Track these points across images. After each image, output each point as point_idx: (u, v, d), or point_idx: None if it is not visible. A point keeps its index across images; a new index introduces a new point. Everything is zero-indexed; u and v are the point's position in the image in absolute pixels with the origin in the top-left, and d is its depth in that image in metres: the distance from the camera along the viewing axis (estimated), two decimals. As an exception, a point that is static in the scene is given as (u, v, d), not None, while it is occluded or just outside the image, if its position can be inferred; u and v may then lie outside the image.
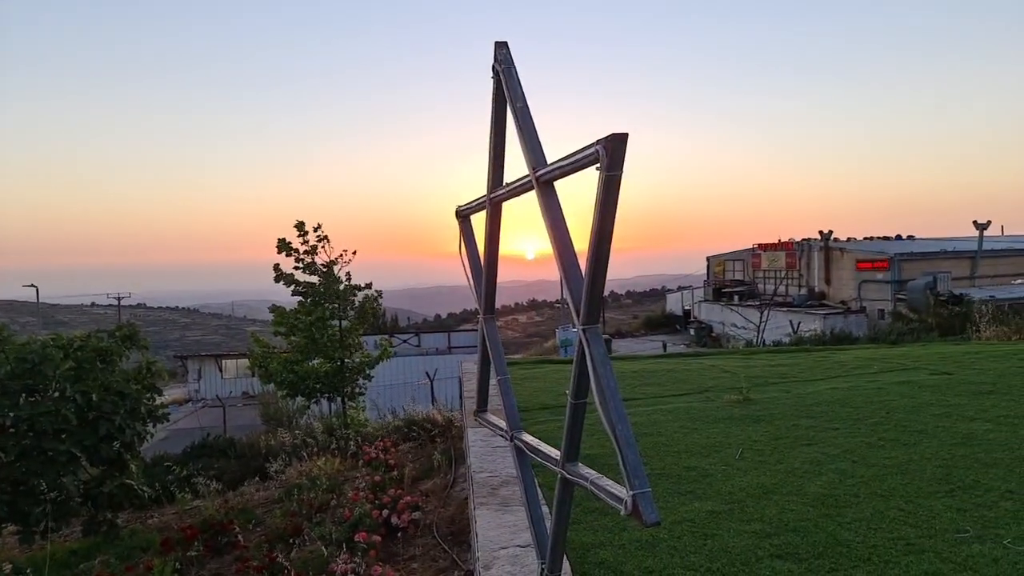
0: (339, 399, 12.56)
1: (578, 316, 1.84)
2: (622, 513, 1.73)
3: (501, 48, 2.22)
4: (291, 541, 5.38)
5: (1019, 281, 31.21)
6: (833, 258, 35.56)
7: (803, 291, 36.38)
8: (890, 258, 31.80)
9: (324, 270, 12.49)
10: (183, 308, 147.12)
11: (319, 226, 12.54)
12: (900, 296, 29.85)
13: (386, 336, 20.94)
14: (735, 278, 43.58)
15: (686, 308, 44.92)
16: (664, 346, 31.71)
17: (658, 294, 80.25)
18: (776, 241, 40.51)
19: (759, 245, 41.76)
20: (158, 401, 8.40)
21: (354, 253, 12.78)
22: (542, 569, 2.47)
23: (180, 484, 9.16)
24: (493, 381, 2.74)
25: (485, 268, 2.69)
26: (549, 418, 6.19)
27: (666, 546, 3.32)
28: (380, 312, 14.58)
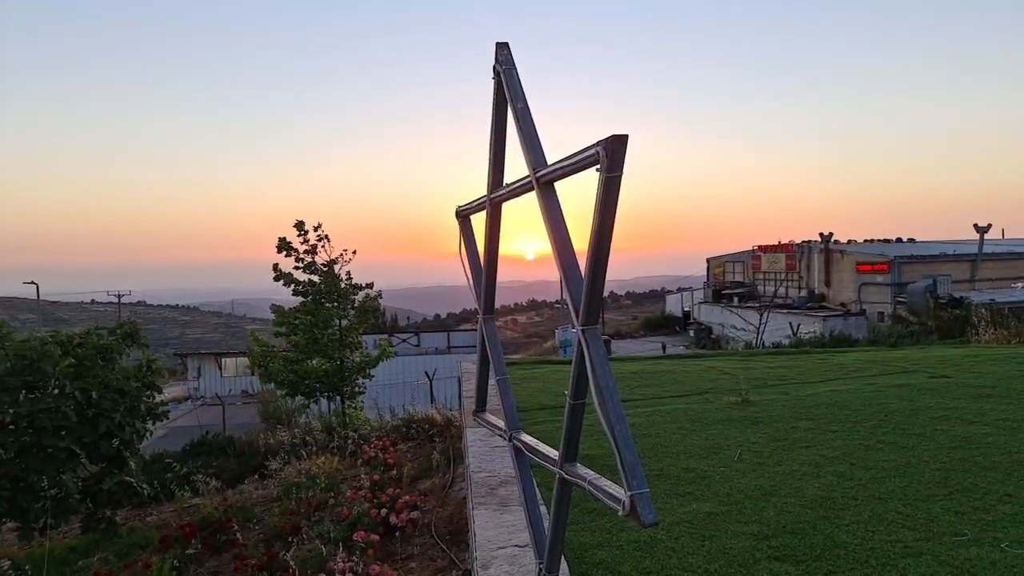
0: (338, 398, 12.55)
1: (577, 317, 1.85)
2: (620, 514, 1.73)
3: (502, 49, 2.22)
4: (289, 539, 5.38)
5: (1019, 285, 31.18)
6: (833, 260, 35.53)
7: (803, 293, 36.35)
8: (890, 261, 31.77)
9: (324, 269, 12.48)
10: (183, 306, 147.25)
11: (319, 225, 12.52)
12: (900, 299, 29.82)
13: (385, 336, 20.94)
14: (735, 280, 43.53)
15: (685, 309, 44.86)
16: (663, 347, 31.66)
17: (658, 295, 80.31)
18: (776, 243, 40.47)
19: (759, 247, 41.72)
20: (158, 399, 8.41)
21: (354, 252, 12.77)
22: (540, 569, 2.48)
23: (179, 482, 9.19)
24: (492, 381, 2.75)
25: (485, 268, 2.70)
26: (548, 418, 6.20)
27: (664, 547, 3.33)
28: (380, 312, 14.57)
